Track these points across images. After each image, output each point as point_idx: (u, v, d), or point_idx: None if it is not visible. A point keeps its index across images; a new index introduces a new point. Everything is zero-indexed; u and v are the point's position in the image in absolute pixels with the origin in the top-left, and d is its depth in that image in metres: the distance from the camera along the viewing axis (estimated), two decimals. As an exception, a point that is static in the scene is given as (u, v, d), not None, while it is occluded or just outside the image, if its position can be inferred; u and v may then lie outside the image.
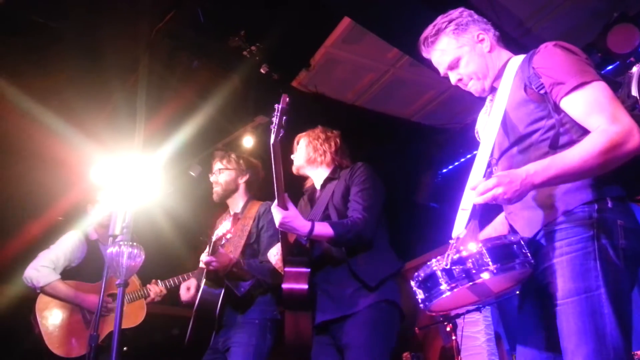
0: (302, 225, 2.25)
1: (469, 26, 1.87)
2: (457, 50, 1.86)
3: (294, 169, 2.75)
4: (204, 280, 2.90)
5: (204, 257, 2.77)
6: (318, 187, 2.71)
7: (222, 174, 3.18)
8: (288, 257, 2.37)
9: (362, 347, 2.24)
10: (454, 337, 4.09)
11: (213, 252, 2.76)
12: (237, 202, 3.20)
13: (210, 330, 2.87)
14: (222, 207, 3.33)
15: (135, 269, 2.17)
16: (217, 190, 3.18)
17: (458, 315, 4.09)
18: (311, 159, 2.70)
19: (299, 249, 2.41)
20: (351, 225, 2.33)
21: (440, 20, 1.90)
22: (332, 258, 2.40)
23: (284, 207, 2.24)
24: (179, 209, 3.76)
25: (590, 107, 1.56)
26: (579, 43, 4.28)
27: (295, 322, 2.29)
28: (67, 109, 4.07)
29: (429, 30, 1.91)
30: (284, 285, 2.29)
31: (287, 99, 2.25)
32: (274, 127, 2.25)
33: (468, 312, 4.12)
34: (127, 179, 2.54)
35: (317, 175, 2.72)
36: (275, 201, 2.25)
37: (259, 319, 2.93)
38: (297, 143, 2.80)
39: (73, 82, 4.04)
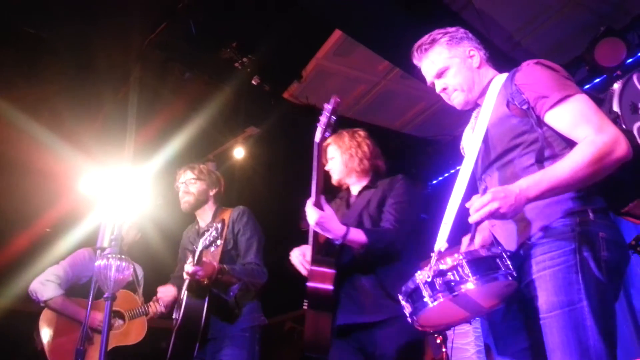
0: (337, 227, 2.24)
1: (462, 41, 1.93)
2: (448, 60, 1.90)
3: (335, 182, 2.68)
4: (185, 293, 2.88)
5: (189, 267, 2.74)
6: (355, 192, 2.68)
7: (193, 185, 3.18)
8: (316, 256, 2.36)
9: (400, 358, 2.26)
10: (444, 349, 4.08)
11: (198, 262, 2.75)
12: (206, 213, 3.23)
13: (194, 343, 2.84)
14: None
15: (124, 282, 2.16)
16: (188, 200, 3.17)
17: (448, 327, 4.08)
18: (350, 169, 2.64)
19: (327, 250, 2.41)
20: (383, 234, 2.34)
21: (436, 32, 1.96)
22: (360, 266, 2.40)
23: (320, 207, 2.24)
24: (169, 221, 3.74)
25: (576, 119, 1.59)
26: (567, 56, 4.35)
27: (316, 321, 2.28)
28: (58, 120, 4.05)
29: (425, 38, 1.96)
30: (310, 284, 2.28)
31: (338, 99, 2.29)
32: (322, 126, 2.28)
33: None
34: (116, 191, 2.53)
35: (355, 182, 2.68)
36: (312, 199, 2.24)
37: (249, 330, 2.93)
38: (326, 152, 2.70)
39: (64, 93, 4.03)
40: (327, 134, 2.32)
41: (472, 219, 1.56)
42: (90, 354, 3.38)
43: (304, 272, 2.40)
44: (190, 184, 3.18)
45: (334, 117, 2.29)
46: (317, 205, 2.24)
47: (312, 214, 2.23)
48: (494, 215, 1.51)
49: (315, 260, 2.34)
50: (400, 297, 1.67)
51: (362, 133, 2.74)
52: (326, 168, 2.69)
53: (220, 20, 3.90)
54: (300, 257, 2.42)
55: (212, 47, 4.05)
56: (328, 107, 2.31)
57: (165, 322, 3.22)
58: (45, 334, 3.39)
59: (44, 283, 3.42)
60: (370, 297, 2.34)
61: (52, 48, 3.75)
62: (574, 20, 4.15)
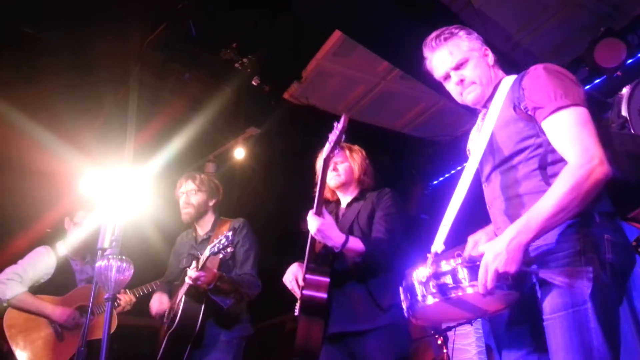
0: (337, 235, 2.31)
1: (478, 39, 1.94)
2: (468, 52, 1.88)
3: (335, 185, 2.71)
4: (183, 297, 2.91)
5: (193, 273, 2.79)
6: (344, 205, 2.74)
7: (194, 196, 3.20)
8: (311, 264, 2.43)
9: None
10: (445, 350, 4.08)
11: (202, 268, 2.77)
12: (206, 223, 3.25)
13: (185, 346, 2.88)
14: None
15: (124, 283, 2.14)
16: (188, 211, 3.19)
17: (449, 328, 4.09)
18: (356, 178, 2.72)
19: (323, 259, 2.48)
20: (379, 243, 2.44)
21: (453, 26, 1.93)
22: (353, 275, 2.47)
23: (321, 216, 2.31)
24: (169, 222, 3.73)
25: (563, 137, 1.59)
26: (567, 57, 4.35)
27: (308, 328, 2.36)
28: (57, 121, 4.04)
29: (442, 30, 1.92)
30: (305, 292, 2.36)
31: (347, 118, 2.30)
32: (331, 143, 2.31)
33: (459, 324, 4.12)
34: (116, 192, 2.52)
35: (346, 193, 2.75)
36: (314, 209, 2.31)
37: (237, 339, 2.98)
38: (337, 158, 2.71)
39: (63, 94, 4.02)
40: (335, 151, 2.35)
41: (482, 292, 1.50)
42: (59, 350, 3.36)
43: (297, 294, 2.49)
44: (191, 195, 3.20)
45: (344, 136, 2.31)
46: (319, 214, 2.31)
47: (313, 222, 2.29)
48: (500, 277, 1.49)
49: (310, 269, 2.42)
50: (400, 290, 1.68)
51: (358, 148, 2.82)
52: (332, 172, 2.71)
53: (220, 21, 3.90)
54: (293, 281, 2.52)
55: (212, 47, 4.05)
56: (338, 125, 2.31)
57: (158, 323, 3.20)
58: (13, 335, 3.32)
59: (5, 282, 3.38)
60: (361, 305, 2.42)
61: (51, 48, 3.74)
62: (574, 21, 4.15)
